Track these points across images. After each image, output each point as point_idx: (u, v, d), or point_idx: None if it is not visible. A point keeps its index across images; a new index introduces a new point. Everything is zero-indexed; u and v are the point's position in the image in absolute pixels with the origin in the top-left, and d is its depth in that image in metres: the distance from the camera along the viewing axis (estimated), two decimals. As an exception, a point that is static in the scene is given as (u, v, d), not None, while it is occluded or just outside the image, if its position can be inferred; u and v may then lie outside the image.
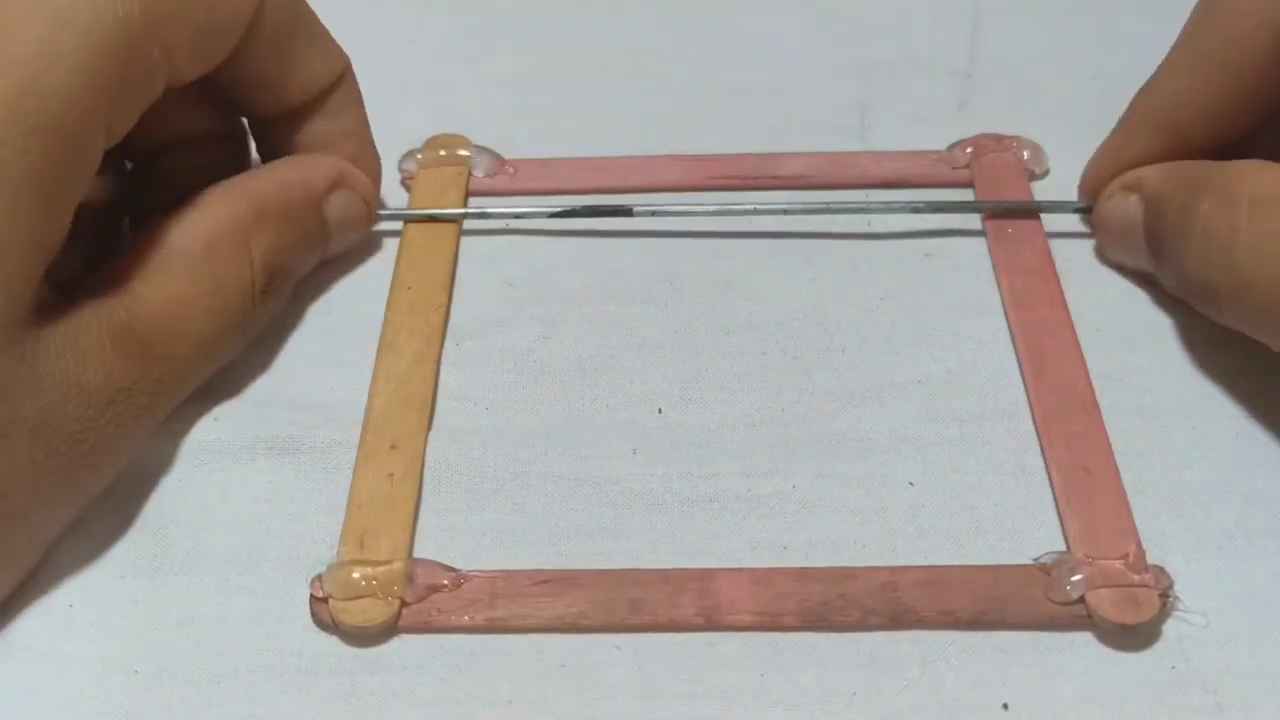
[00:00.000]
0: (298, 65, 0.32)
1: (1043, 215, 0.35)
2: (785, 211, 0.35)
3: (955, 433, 0.30)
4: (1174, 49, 0.32)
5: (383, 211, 0.35)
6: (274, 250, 0.30)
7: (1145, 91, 0.33)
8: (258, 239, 0.30)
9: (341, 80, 0.33)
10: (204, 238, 0.29)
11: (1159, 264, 0.32)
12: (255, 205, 0.30)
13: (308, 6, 0.32)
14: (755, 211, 0.35)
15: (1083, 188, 0.35)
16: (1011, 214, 0.35)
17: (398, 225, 0.35)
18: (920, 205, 0.35)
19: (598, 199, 0.36)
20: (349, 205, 0.33)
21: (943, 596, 0.27)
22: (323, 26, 0.32)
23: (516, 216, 0.35)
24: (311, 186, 0.32)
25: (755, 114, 0.39)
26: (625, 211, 0.35)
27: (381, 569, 0.27)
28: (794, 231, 0.35)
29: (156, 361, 0.28)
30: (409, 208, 0.36)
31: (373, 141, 0.34)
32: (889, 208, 0.35)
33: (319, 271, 0.34)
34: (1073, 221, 0.35)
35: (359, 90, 0.33)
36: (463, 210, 0.35)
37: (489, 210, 0.35)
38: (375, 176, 0.34)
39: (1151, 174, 0.32)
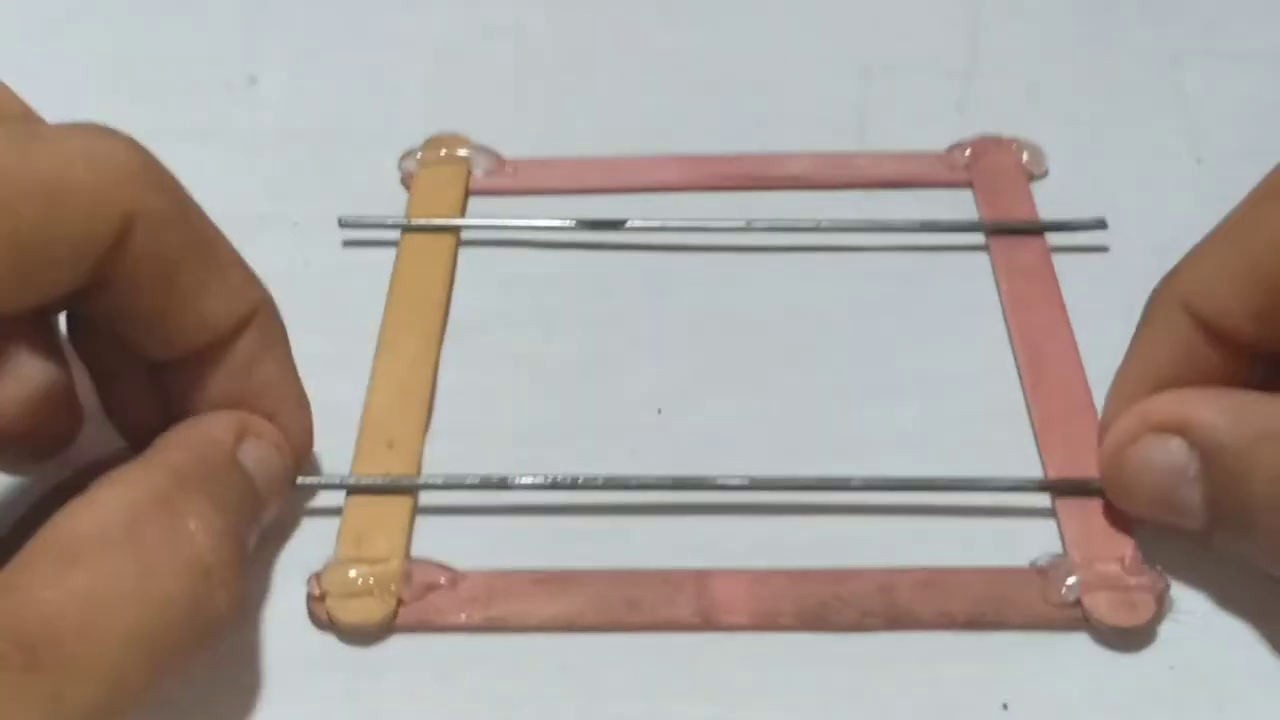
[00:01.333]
0: (187, 301, 0.25)
1: (1042, 218, 0.35)
2: (780, 229, 0.35)
3: (955, 433, 0.30)
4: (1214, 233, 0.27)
5: (383, 220, 0.35)
6: (216, 517, 0.24)
7: (1171, 276, 0.27)
8: (191, 508, 0.23)
9: (249, 324, 0.26)
10: (121, 519, 0.23)
11: (1228, 535, 0.25)
12: (171, 474, 0.24)
13: (212, 229, 0.26)
14: (749, 228, 0.35)
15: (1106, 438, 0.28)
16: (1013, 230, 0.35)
17: (395, 234, 0.35)
18: (917, 225, 0.35)
19: (595, 202, 0.36)
20: (263, 456, 0.27)
21: (939, 598, 0.27)
22: (233, 256, 0.26)
23: (509, 229, 0.35)
24: (218, 442, 0.26)
25: (755, 114, 0.39)
26: (617, 225, 0.35)
27: (378, 567, 0.27)
28: (795, 229, 0.35)
29: (55, 667, 0.21)
30: (409, 206, 0.36)
31: (300, 395, 0.28)
32: (887, 226, 0.35)
33: (318, 272, 0.34)
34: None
35: (279, 332, 0.27)
36: (458, 222, 0.35)
37: (482, 223, 0.35)
38: (301, 434, 0.28)
39: (1205, 413, 0.25)
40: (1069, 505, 0.28)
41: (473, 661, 0.27)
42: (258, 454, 0.26)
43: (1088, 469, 0.29)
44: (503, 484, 0.29)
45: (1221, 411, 0.25)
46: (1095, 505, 0.28)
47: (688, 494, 0.29)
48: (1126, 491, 0.27)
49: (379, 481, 0.29)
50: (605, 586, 0.28)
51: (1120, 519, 0.28)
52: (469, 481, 0.29)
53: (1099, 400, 0.30)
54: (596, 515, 0.29)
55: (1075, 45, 0.41)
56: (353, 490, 0.29)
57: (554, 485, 0.29)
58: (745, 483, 0.29)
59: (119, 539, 0.22)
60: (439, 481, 0.29)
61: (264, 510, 0.27)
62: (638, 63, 0.41)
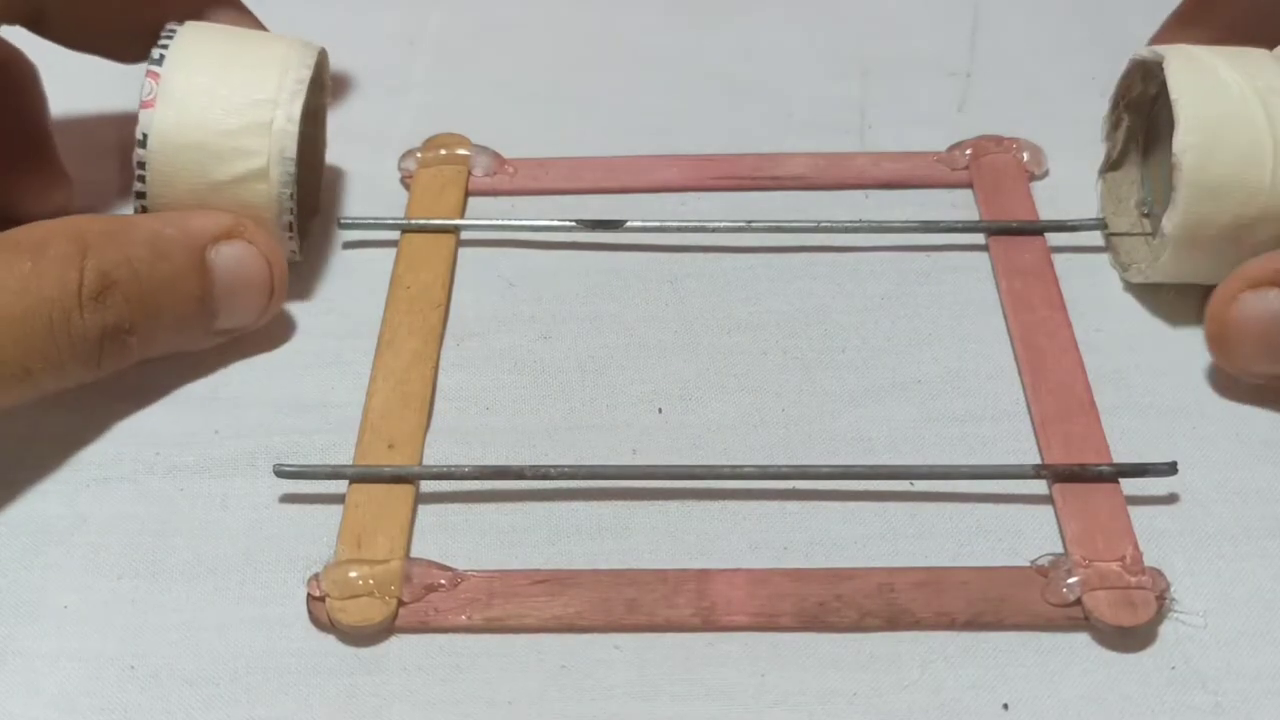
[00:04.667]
0: None
1: (1042, 218, 0.35)
2: (780, 229, 0.35)
3: (955, 433, 0.30)
4: None
5: (383, 220, 0.35)
6: (114, 263, 0.28)
7: None
8: (98, 250, 0.28)
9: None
10: (38, 235, 0.28)
11: None
12: (107, 226, 0.29)
13: None
14: (749, 228, 0.35)
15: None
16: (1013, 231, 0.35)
17: (395, 234, 0.35)
18: (917, 225, 0.35)
19: (595, 202, 0.36)
20: (244, 257, 0.30)
21: (939, 598, 0.27)
22: None
23: (509, 228, 0.35)
24: (191, 230, 0.29)
25: (755, 114, 0.39)
26: (617, 225, 0.35)
27: (379, 568, 0.27)
28: (795, 229, 0.35)
29: None
30: (408, 206, 0.36)
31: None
32: (887, 226, 0.35)
33: (319, 273, 0.34)
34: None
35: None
36: (457, 222, 0.35)
37: (482, 223, 0.35)
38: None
39: None
40: (1069, 504, 0.28)
41: (473, 661, 0.27)
42: (240, 253, 0.30)
43: (1090, 465, 0.29)
44: (502, 474, 0.29)
45: None
46: (1095, 504, 0.28)
47: (689, 484, 0.29)
48: (1232, 345, 0.29)
49: (380, 470, 0.29)
50: (605, 586, 0.28)
51: (1119, 518, 0.28)
52: (468, 472, 0.29)
53: (1100, 399, 0.30)
54: (597, 516, 0.29)
55: (1075, 45, 0.41)
56: (354, 479, 0.29)
57: (552, 476, 0.29)
58: (747, 472, 0.29)
59: (25, 245, 0.27)
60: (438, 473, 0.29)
61: (217, 304, 0.30)
62: (638, 63, 0.41)
